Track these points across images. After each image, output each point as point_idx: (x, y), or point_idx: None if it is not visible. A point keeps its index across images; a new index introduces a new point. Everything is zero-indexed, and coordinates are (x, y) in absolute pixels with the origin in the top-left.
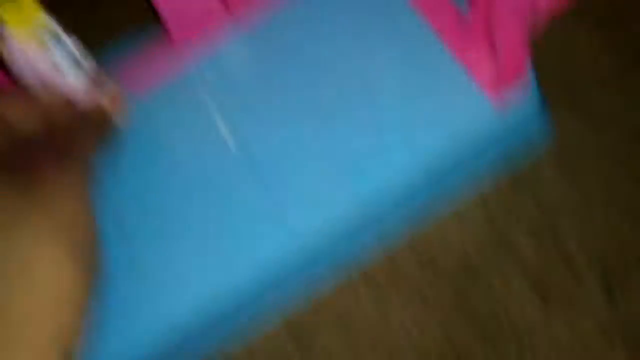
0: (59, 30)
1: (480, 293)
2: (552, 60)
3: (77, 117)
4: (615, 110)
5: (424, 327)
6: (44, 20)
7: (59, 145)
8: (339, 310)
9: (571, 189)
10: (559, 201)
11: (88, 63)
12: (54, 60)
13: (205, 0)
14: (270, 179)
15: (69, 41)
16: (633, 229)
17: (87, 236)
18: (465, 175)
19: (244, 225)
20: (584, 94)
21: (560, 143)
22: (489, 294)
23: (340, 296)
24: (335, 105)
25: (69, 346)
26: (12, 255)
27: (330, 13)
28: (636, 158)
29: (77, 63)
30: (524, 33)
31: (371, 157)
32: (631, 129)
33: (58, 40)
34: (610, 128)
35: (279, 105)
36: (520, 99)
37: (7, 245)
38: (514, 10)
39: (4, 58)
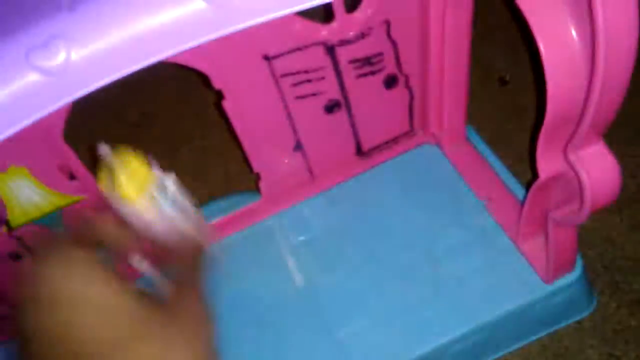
0: (165, 180)
1: None
2: (596, 245)
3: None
4: None
5: None
6: (153, 177)
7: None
8: None
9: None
10: None
11: (185, 201)
12: (158, 207)
13: (298, 174)
14: (328, 318)
15: (172, 186)
16: None
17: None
18: (512, 342)
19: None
20: (622, 277)
21: (601, 318)
22: None
23: None
24: (397, 266)
25: None
26: None
27: (403, 190)
28: None
29: (175, 202)
30: (574, 236)
31: (427, 318)
32: None
33: (164, 189)
34: None
35: (345, 255)
36: (567, 279)
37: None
38: (564, 221)
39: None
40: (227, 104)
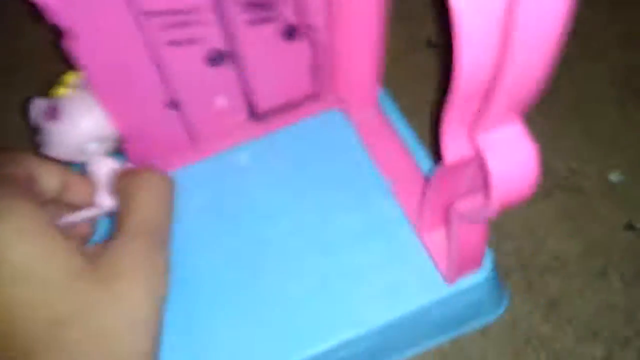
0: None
1: None
2: (514, 235)
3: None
4: (569, 295)
5: None
6: None
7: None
8: None
9: None
10: None
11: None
12: None
13: (172, 137)
14: (193, 313)
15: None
16: None
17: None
18: (406, 348)
19: None
20: (539, 276)
21: (511, 323)
22: None
23: None
24: (281, 254)
25: None
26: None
27: (299, 163)
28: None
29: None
30: (481, 233)
31: (310, 318)
32: (582, 317)
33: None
34: (561, 313)
35: (221, 237)
36: (473, 279)
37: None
38: (469, 216)
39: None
40: (74, 45)
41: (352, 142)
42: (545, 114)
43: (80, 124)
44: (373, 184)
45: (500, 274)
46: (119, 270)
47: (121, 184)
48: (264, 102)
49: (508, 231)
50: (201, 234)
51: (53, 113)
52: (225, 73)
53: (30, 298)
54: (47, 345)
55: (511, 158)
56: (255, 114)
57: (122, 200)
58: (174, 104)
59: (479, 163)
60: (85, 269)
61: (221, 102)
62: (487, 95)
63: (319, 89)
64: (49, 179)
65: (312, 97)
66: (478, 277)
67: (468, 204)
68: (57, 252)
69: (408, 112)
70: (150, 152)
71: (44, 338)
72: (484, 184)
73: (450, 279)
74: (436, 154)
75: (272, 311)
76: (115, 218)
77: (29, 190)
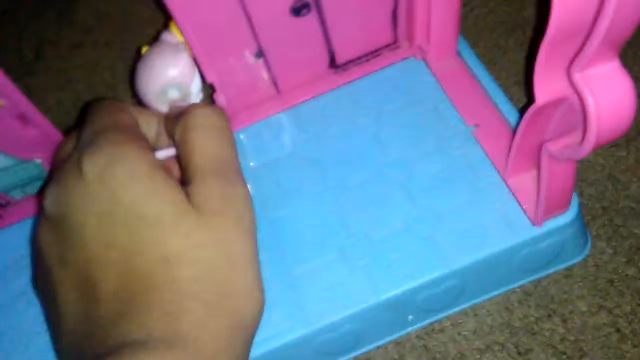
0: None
1: None
2: (596, 182)
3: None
4: None
5: None
6: None
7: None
8: None
9: (599, 312)
10: (586, 323)
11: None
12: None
13: (260, 87)
14: (285, 252)
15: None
16: None
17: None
18: (491, 289)
19: None
20: (622, 220)
21: (594, 265)
22: None
23: None
24: (367, 198)
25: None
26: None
27: (381, 111)
28: None
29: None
30: (571, 173)
31: (396, 258)
32: None
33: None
34: None
35: (309, 183)
36: (559, 221)
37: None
38: (561, 155)
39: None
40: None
41: (433, 89)
42: (623, 58)
43: (156, 71)
44: (455, 130)
45: (583, 219)
46: (207, 212)
47: (176, 125)
48: (344, 52)
49: (589, 178)
50: (287, 180)
51: (134, 68)
52: (308, 23)
53: (144, 236)
54: (162, 282)
55: (610, 95)
56: (336, 64)
57: (181, 141)
58: (261, 54)
59: (576, 101)
60: (188, 208)
61: (304, 52)
62: (588, 32)
63: (398, 37)
64: (148, 126)
65: (392, 46)
66: (565, 218)
67: (561, 143)
68: (165, 193)
69: (485, 61)
70: (237, 102)
71: (160, 275)
72: (579, 122)
73: (537, 220)
74: (516, 100)
75: (359, 254)
76: (180, 159)
77: (137, 135)
